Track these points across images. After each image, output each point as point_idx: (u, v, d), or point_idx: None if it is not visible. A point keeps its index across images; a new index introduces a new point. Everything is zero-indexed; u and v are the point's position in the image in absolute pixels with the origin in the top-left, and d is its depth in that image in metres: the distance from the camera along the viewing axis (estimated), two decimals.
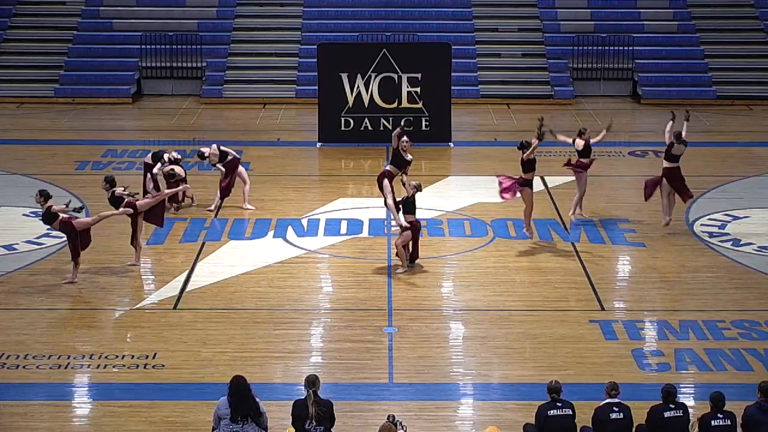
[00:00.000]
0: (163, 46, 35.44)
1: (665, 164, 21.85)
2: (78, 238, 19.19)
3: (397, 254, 20.19)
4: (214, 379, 15.61)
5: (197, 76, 35.45)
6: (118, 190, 19.96)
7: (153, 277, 20.00)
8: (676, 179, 21.78)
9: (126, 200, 19.82)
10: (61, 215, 19.12)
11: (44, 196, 19.19)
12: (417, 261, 20.26)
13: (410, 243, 20.06)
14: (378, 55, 29.22)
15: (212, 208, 23.25)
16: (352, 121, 29.27)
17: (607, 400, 13.76)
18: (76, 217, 19.50)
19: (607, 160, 26.75)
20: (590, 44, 35.59)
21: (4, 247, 21.25)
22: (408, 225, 19.89)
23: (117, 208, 19.83)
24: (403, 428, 13.06)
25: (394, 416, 13.45)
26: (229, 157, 23.09)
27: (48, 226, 19.86)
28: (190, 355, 16.62)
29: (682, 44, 36.31)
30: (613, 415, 13.62)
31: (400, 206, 20.02)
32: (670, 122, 21.96)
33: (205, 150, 23.33)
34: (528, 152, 20.86)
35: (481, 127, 31.67)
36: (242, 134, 27.94)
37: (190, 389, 15.53)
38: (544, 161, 27.58)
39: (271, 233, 22.07)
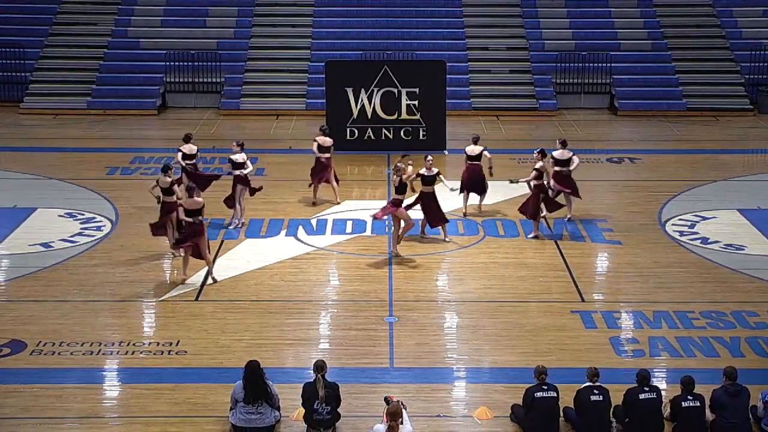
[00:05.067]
0: (185, 63, 35.41)
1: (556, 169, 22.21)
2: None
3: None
4: (231, 364, 15.58)
5: (216, 90, 35.41)
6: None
7: (176, 271, 19.95)
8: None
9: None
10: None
11: (164, 171, 20.08)
12: (415, 257, 20.36)
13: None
14: (380, 72, 29.18)
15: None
16: (356, 131, 29.23)
17: (588, 384, 13.75)
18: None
19: (587, 166, 26.68)
20: (572, 61, 35.55)
21: (42, 244, 21.21)
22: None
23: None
24: (403, 407, 13.06)
25: (387, 397, 13.46)
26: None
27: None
28: (210, 342, 16.59)
29: (655, 61, 36.28)
30: (593, 397, 13.62)
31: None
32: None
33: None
34: (405, 177, 20.42)
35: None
36: (258, 143, 27.84)
37: (210, 373, 15.50)
38: (525, 167, 27.63)
39: (283, 232, 22.04)
